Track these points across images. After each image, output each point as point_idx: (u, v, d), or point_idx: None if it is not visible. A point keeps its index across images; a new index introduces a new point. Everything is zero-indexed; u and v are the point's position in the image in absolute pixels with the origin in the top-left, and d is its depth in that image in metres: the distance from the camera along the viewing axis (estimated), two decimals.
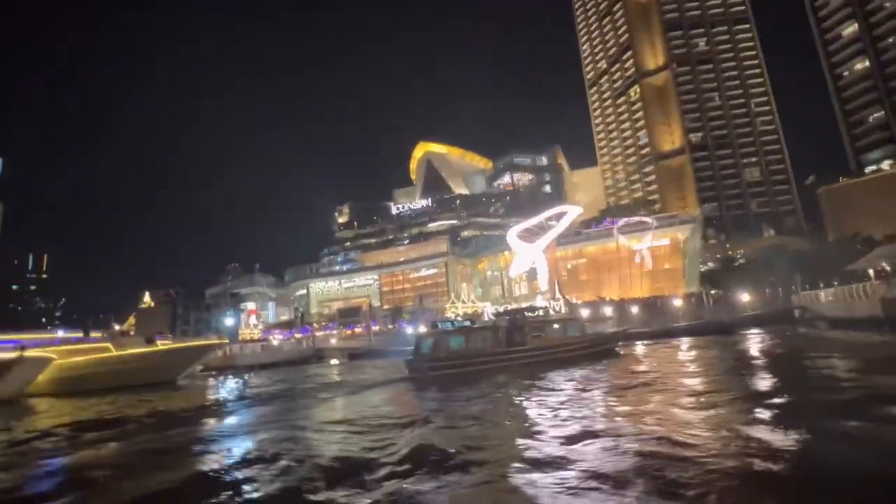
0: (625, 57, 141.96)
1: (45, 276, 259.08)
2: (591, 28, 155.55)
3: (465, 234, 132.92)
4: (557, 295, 59.18)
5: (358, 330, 75.97)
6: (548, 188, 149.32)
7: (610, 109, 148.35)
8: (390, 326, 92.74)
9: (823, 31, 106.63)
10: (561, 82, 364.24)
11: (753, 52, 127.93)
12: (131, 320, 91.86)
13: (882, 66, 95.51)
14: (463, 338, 22.91)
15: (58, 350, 28.81)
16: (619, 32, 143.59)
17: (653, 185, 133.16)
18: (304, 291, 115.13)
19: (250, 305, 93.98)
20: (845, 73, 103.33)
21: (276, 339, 67.12)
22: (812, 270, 51.88)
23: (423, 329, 49.92)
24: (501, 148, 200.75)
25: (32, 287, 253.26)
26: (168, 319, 72.63)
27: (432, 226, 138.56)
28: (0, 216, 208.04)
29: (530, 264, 59.76)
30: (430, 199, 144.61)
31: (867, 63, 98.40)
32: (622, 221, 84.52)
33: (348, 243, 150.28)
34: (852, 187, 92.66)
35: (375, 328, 76.17)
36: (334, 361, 48.42)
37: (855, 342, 22.20)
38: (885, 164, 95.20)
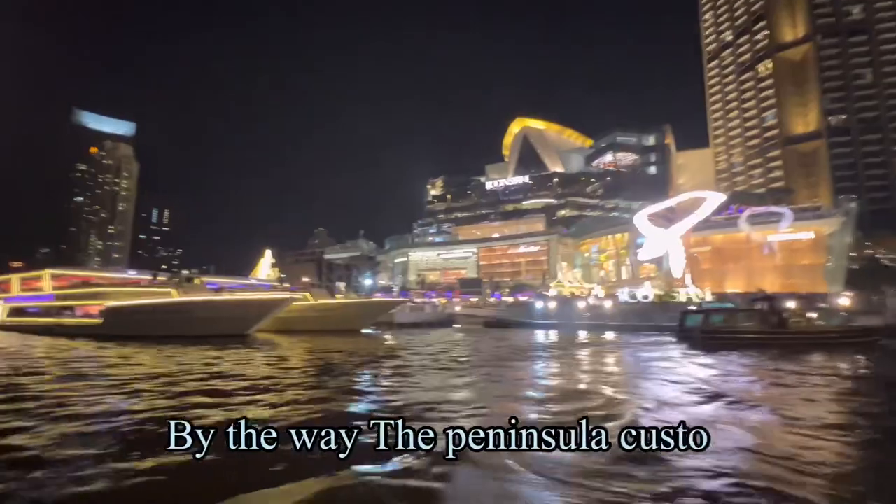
0: (756, 28, 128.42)
1: (166, 228, 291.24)
2: None
3: (562, 213, 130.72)
4: (688, 283, 57.44)
5: (491, 300, 79.37)
6: (652, 169, 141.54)
7: (732, 86, 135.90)
8: (490, 300, 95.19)
9: None
10: (671, 56, 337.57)
11: None
12: (258, 270, 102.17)
13: None
14: (723, 316, 27.04)
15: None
16: (752, 0, 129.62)
17: (776, 172, 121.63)
18: (403, 259, 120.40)
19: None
20: None
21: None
22: None
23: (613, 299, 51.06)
24: (600, 126, 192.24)
25: (156, 238, 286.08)
26: (315, 276, 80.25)
27: (527, 203, 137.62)
28: (136, 174, 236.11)
29: (663, 250, 58.11)
30: (526, 176, 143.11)
31: None
32: (749, 210, 78.81)
33: (441, 215, 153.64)
34: None
35: (494, 300, 78.85)
36: (457, 326, 51.27)
37: None
38: None
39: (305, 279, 56.78)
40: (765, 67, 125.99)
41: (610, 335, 37.45)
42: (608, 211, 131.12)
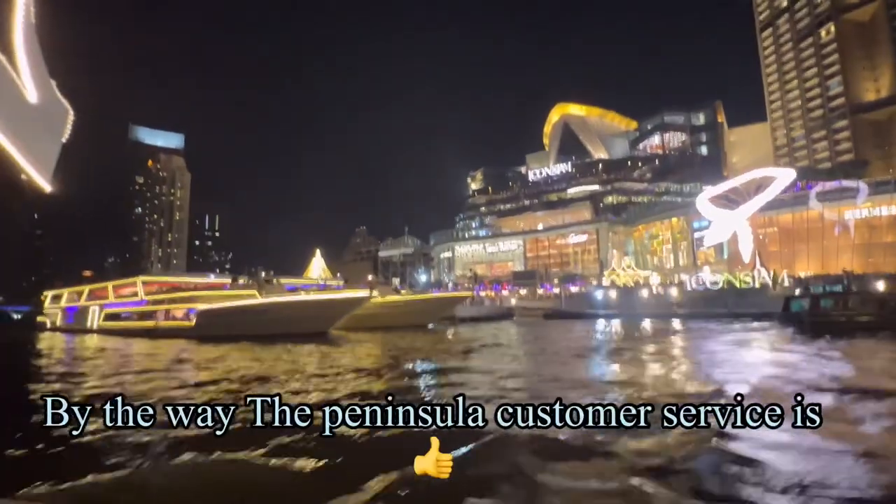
0: None
1: (217, 233, 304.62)
2: None
3: (609, 199, 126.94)
4: (758, 267, 54.48)
5: (541, 292, 78.75)
6: (704, 149, 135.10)
7: (789, 55, 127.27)
8: (540, 291, 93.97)
9: None
10: (718, 29, 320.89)
11: None
12: (310, 270, 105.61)
13: None
14: (832, 301, 26.06)
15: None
16: None
17: (844, 144, 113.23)
18: (448, 254, 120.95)
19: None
20: None
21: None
22: None
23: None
24: (643, 108, 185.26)
25: (209, 243, 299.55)
26: (372, 274, 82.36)
27: (572, 191, 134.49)
28: (189, 184, 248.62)
29: (730, 233, 55.36)
30: (569, 164, 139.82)
31: None
32: (819, 186, 73.78)
33: (483, 208, 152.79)
34: None
35: (544, 291, 77.95)
36: (516, 319, 50.92)
37: None
38: None
39: (370, 277, 58.22)
40: (826, 32, 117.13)
41: (691, 324, 35.92)
42: (657, 195, 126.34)
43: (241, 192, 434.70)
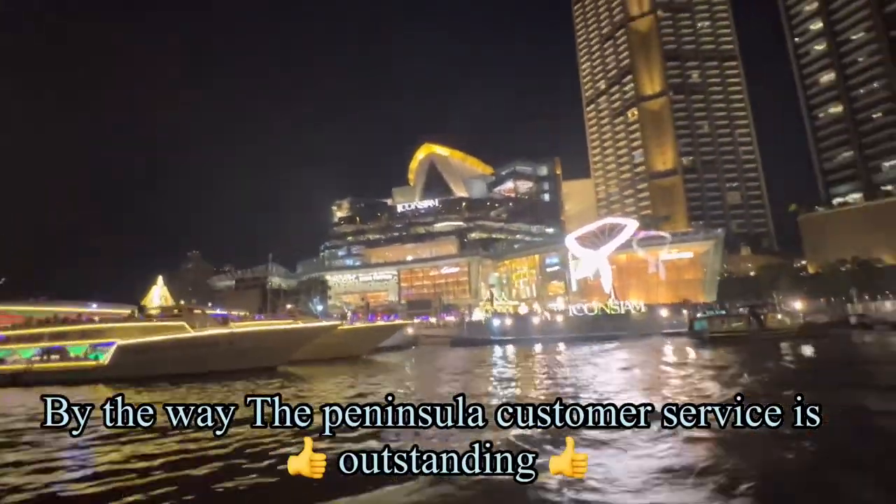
0: (624, 80, 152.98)
1: None
2: (592, 49, 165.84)
3: (473, 235, 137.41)
4: (613, 297, 65.52)
5: (448, 319, 79.52)
6: (546, 197, 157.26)
7: (607, 127, 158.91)
8: (416, 321, 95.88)
9: (804, 76, 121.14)
10: (555, 94, 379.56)
11: (739, 87, 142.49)
12: (149, 299, 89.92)
13: (854, 112, 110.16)
14: (720, 321, 34.70)
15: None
16: (620, 57, 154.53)
17: (645, 202, 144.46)
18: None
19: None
20: (821, 115, 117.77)
21: None
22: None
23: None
24: (496, 154, 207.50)
25: None
26: (258, 303, 71.85)
27: (439, 226, 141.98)
28: None
29: (595, 269, 65.68)
30: (436, 200, 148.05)
31: (841, 108, 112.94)
32: (641, 234, 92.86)
33: (350, 238, 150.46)
34: (827, 217, 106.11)
35: (420, 321, 79.51)
36: (424, 347, 51.92)
37: None
38: (851, 198, 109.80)
39: (289, 306, 51.75)
40: (632, 114, 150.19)
41: (599, 346, 41.08)
42: (513, 234, 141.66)
43: (28, 199, 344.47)
